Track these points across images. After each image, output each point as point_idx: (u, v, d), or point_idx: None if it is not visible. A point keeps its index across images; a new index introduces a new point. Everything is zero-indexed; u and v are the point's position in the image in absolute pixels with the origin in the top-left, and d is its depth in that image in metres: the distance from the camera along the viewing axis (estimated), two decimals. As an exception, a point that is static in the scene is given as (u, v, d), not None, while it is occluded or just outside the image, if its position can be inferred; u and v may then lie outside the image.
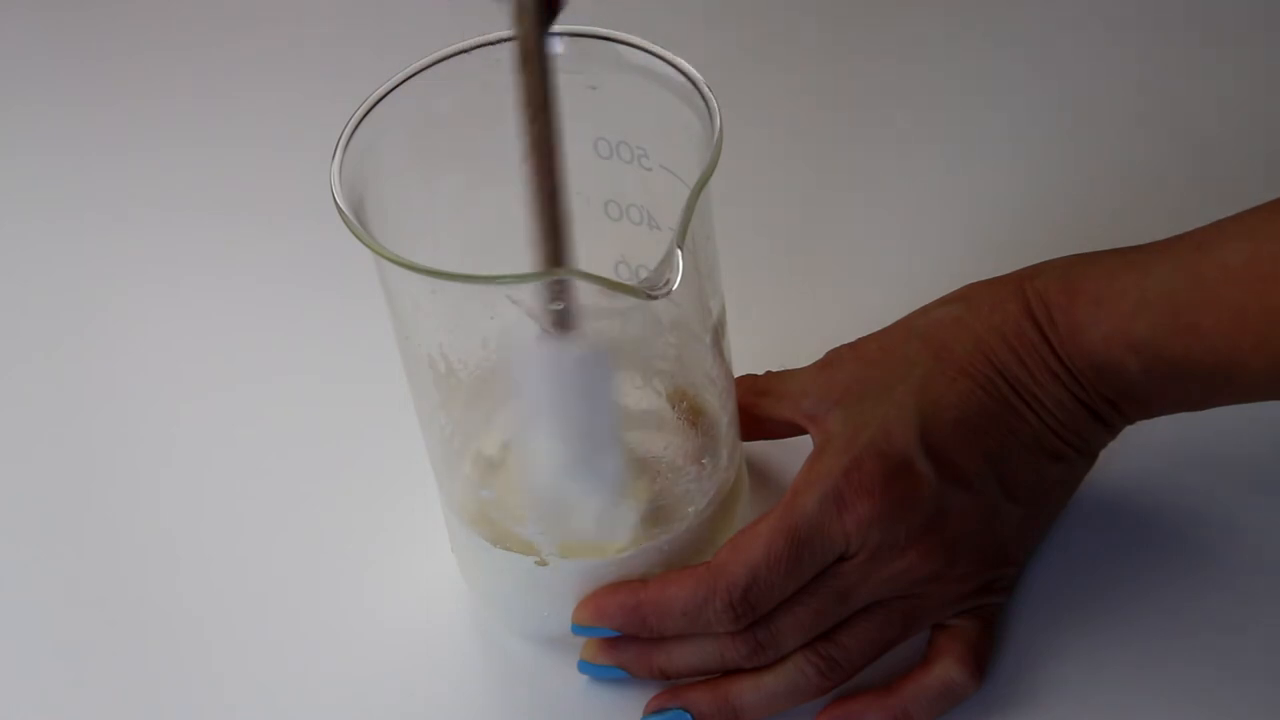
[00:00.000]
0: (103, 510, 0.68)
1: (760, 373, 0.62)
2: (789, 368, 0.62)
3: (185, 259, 0.77)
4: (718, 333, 0.57)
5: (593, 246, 0.58)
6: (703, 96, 0.53)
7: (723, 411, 0.58)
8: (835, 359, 0.61)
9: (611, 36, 0.55)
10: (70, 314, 0.75)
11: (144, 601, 0.64)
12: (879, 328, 0.61)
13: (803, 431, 0.60)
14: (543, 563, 0.57)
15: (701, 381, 0.58)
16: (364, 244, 0.51)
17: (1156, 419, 0.59)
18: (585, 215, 0.57)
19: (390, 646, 0.61)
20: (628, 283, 0.50)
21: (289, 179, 0.70)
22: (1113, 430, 0.59)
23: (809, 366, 0.61)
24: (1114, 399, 0.58)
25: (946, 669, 0.58)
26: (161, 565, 0.65)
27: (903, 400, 0.57)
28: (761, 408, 0.61)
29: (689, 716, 0.57)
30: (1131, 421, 0.59)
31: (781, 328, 0.70)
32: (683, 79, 0.54)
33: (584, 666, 0.59)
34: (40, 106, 0.85)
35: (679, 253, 0.50)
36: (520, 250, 0.54)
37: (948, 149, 0.78)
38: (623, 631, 0.57)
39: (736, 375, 0.61)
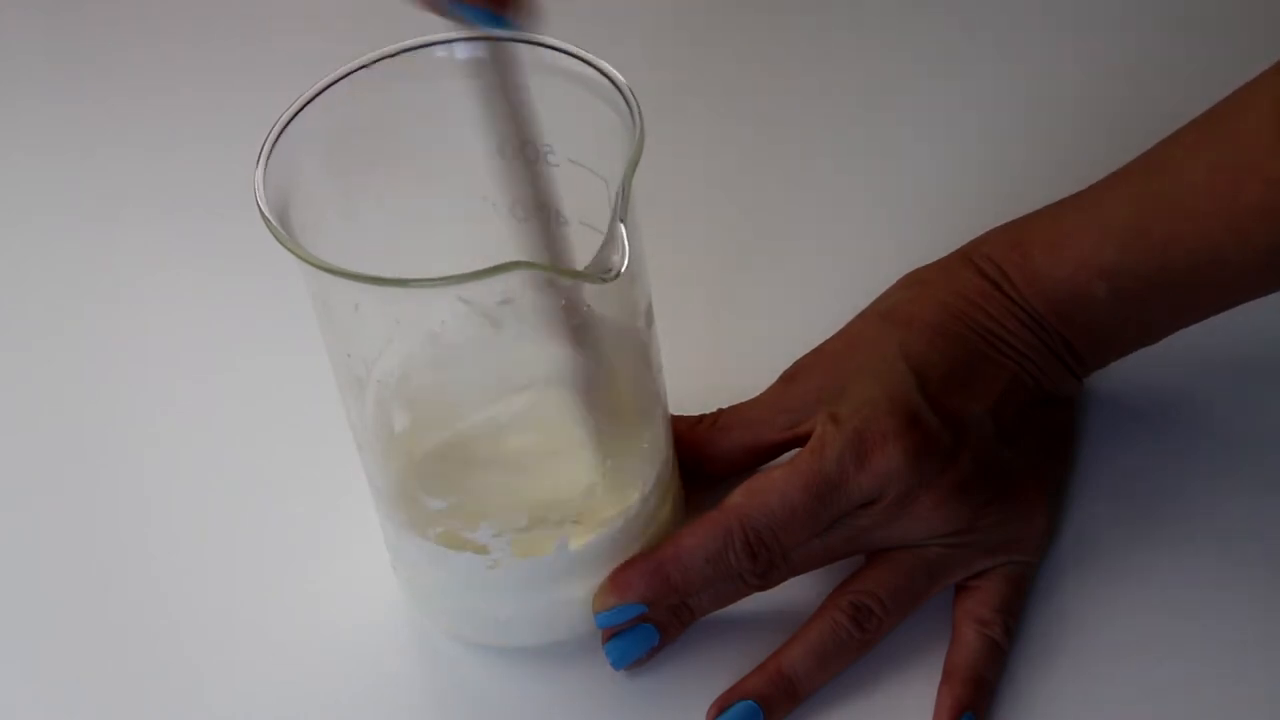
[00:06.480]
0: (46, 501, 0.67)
1: (709, 412, 0.63)
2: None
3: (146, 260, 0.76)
4: (648, 316, 0.57)
5: (503, 249, 0.58)
6: (608, 78, 0.53)
7: (658, 394, 0.59)
8: (799, 370, 0.62)
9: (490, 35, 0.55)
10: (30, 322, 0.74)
11: (70, 603, 0.64)
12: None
13: (776, 454, 0.61)
14: (495, 565, 0.57)
15: (638, 364, 0.58)
16: (309, 263, 0.50)
17: (1178, 406, 0.62)
18: (494, 219, 0.58)
19: (343, 676, 0.60)
20: (577, 269, 0.51)
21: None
22: (1078, 379, 0.62)
23: (770, 388, 0.62)
24: (1072, 340, 0.60)
25: (971, 638, 0.58)
26: (104, 563, 0.64)
27: (891, 366, 0.59)
28: (731, 440, 0.62)
29: (754, 704, 0.57)
30: (1088, 367, 0.62)
31: (720, 360, 0.68)
32: (584, 65, 0.54)
33: (602, 619, 0.58)
34: (35, 107, 0.84)
35: (622, 228, 0.50)
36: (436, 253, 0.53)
37: (888, 144, 0.77)
38: (648, 599, 0.57)
39: (688, 414, 0.62)
